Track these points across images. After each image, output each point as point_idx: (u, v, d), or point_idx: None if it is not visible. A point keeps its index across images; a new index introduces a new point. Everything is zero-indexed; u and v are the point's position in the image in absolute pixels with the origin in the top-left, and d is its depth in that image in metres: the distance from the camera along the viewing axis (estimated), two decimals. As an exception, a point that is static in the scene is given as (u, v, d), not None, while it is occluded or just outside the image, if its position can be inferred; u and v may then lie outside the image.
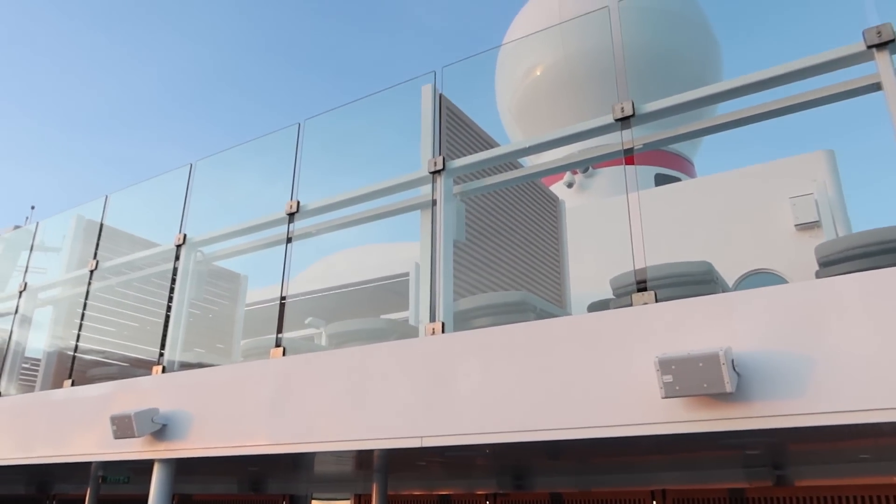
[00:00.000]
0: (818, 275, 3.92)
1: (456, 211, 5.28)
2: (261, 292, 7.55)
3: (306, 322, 8.15)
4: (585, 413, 3.59)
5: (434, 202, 5.05)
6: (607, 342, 3.60)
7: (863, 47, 3.70)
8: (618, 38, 5.17)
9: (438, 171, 5.12)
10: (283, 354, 4.95)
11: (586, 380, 3.62)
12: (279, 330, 5.18)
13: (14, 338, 7.60)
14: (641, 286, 3.70)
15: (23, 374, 7.47)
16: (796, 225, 8.55)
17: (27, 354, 7.58)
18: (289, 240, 5.63)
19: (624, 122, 4.47)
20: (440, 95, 5.66)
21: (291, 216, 5.65)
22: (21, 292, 7.61)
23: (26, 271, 7.77)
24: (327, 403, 4.47)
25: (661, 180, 12.33)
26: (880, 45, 3.65)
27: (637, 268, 3.80)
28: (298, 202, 5.66)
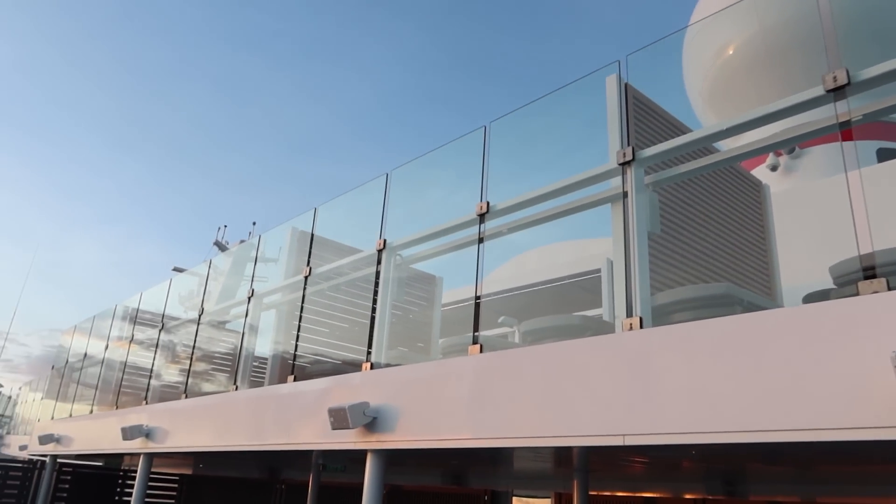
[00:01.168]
0: None
1: (649, 202, 5.09)
2: (455, 293, 7.83)
3: (499, 321, 8.30)
4: (807, 414, 3.29)
5: (625, 194, 4.92)
6: (833, 336, 3.26)
7: None
8: (825, 3, 4.70)
9: (628, 162, 4.98)
10: (481, 351, 5.09)
11: (808, 377, 3.31)
12: (475, 328, 5.33)
13: (245, 339, 8.57)
14: (870, 273, 3.32)
15: (254, 372, 8.40)
16: None
17: (256, 354, 8.51)
18: (480, 240, 5.78)
19: (838, 92, 4.04)
20: (626, 85, 5.51)
21: (482, 216, 5.80)
22: (249, 298, 8.55)
23: (252, 279, 8.73)
24: (525, 399, 4.52)
25: (884, 155, 10.91)
26: None
27: (863, 253, 3.40)
28: (488, 203, 5.79)
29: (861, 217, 3.52)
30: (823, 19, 4.61)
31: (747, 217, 6.57)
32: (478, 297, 5.48)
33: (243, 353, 8.41)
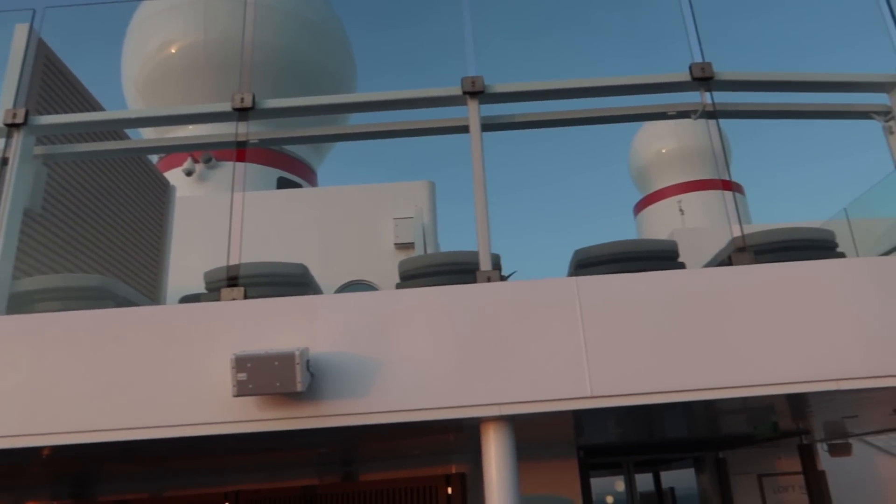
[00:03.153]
0: (398, 287, 4.31)
1: (35, 175, 4.51)
2: None
3: None
4: (158, 412, 3.32)
5: (5, 161, 4.24)
6: (187, 336, 3.40)
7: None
8: (250, 30, 5.05)
9: (17, 125, 4.32)
10: None
11: (160, 375, 3.36)
12: None
13: None
14: (233, 281, 3.60)
15: None
16: (395, 243, 9.42)
17: None
18: None
19: (242, 112, 4.35)
20: (39, 39, 4.84)
21: None
22: None
23: None
24: None
25: (283, 184, 12.54)
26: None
27: (231, 263, 3.68)
28: None
29: (237, 229, 3.81)
30: (246, 45, 4.93)
31: (148, 215, 6.48)
32: None
33: None
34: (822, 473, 7.88)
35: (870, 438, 10.35)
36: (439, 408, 3.29)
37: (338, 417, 3.28)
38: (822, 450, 8.55)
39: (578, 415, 3.87)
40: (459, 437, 5.15)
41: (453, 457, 6.42)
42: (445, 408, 3.29)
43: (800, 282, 3.48)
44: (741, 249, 3.78)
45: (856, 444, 9.84)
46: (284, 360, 3.07)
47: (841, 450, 8.24)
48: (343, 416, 3.28)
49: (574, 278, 3.51)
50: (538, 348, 3.36)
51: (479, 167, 3.83)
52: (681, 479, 11.89)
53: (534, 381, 3.31)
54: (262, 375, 3.06)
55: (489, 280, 3.59)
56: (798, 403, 4.21)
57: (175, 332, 3.42)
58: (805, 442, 7.07)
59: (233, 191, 3.95)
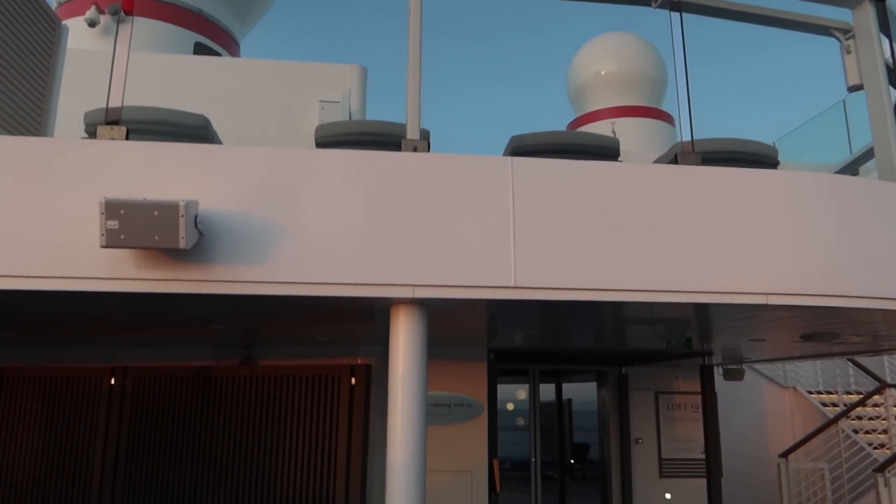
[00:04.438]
0: (313, 154, 3.85)
1: None
2: None
3: None
4: (16, 260, 2.82)
5: None
6: (54, 176, 2.87)
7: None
8: None
9: None
10: None
11: (21, 219, 2.84)
12: None
13: None
14: (113, 120, 3.05)
15: None
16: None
17: None
18: None
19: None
20: None
21: None
22: None
23: None
24: None
25: (200, 49, 11.46)
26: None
27: (113, 105, 3.11)
28: None
29: (121, 69, 3.20)
30: None
31: (32, 52, 5.63)
32: None
33: None
34: (716, 395, 8.15)
35: (759, 367, 10.86)
36: (347, 283, 2.94)
37: (229, 284, 2.88)
38: (716, 373, 8.87)
39: (497, 308, 3.61)
40: (367, 326, 4.86)
41: (360, 348, 6.17)
42: (354, 284, 2.94)
43: (743, 190, 3.25)
44: (689, 151, 3.52)
45: (748, 370, 10.32)
46: (166, 211, 2.61)
47: (734, 375, 8.54)
48: (235, 284, 2.88)
49: (509, 158, 3.16)
50: (463, 230, 3.02)
51: (416, 14, 3.33)
52: (581, 391, 12.27)
53: (454, 265, 2.99)
54: (137, 226, 2.59)
55: (415, 150, 3.18)
56: (715, 319, 4.11)
57: (39, 169, 2.87)
58: (707, 363, 7.22)
59: (119, 14, 3.31)
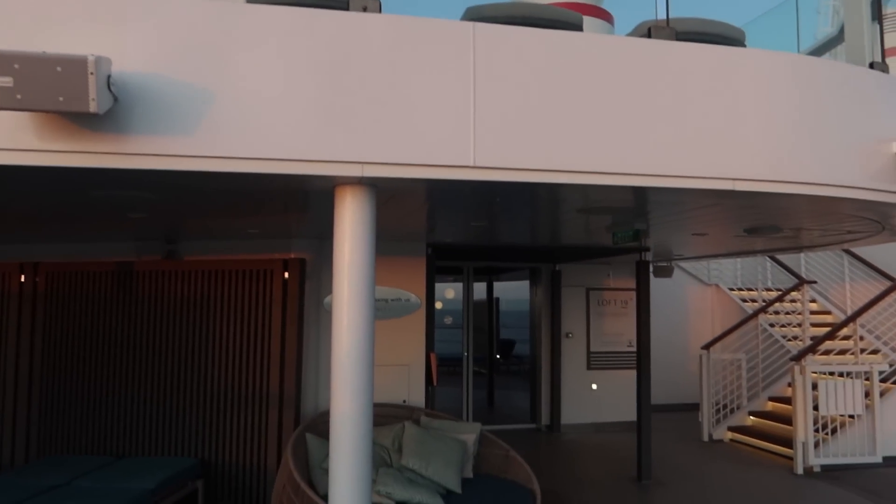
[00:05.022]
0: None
1: None
2: None
3: None
4: None
5: None
6: (-77, 21, 2.37)
7: None
8: None
9: None
10: None
11: None
12: None
13: None
14: (-1, -44, 2.52)
15: None
16: None
17: None
18: None
19: None
20: None
21: None
22: None
23: None
24: None
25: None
26: None
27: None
28: None
29: None
30: None
31: None
32: None
33: None
34: (650, 290, 8.31)
35: (684, 264, 11.19)
36: (286, 160, 2.61)
37: (148, 158, 2.50)
38: (647, 270, 9.06)
39: (450, 192, 3.37)
40: (301, 217, 4.56)
41: (293, 242, 5.87)
42: (294, 161, 2.62)
43: (715, 67, 3.05)
44: (663, 26, 3.27)
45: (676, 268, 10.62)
46: (72, 67, 2.18)
47: (664, 272, 8.72)
48: (156, 158, 2.51)
49: (471, 23, 2.83)
50: (418, 101, 2.72)
51: None
52: (507, 290, 12.44)
53: (408, 141, 2.70)
54: (37, 84, 2.17)
55: (365, 10, 2.80)
56: (674, 207, 4.00)
57: None
58: (643, 259, 7.29)
59: None
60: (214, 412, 5.73)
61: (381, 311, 5.95)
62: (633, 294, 9.97)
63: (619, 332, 9.92)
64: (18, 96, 2.16)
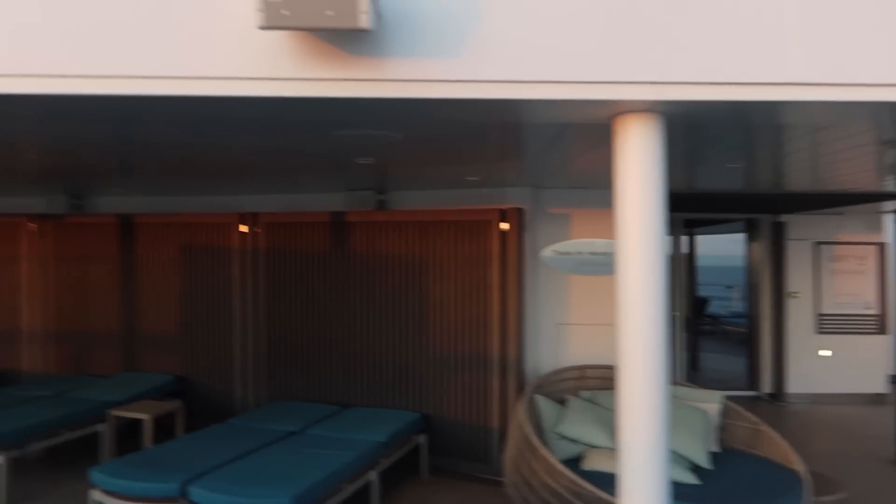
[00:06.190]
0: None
1: None
2: None
3: None
4: (129, 54, 2.20)
5: None
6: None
7: None
8: None
9: None
10: None
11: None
12: None
13: None
14: None
15: None
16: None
17: None
18: None
19: None
20: None
21: None
22: None
23: None
24: None
25: None
26: None
27: None
28: None
29: None
30: None
31: None
32: None
33: None
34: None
35: None
36: (567, 82, 2.17)
37: (411, 84, 2.17)
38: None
39: (750, 121, 2.76)
40: (519, 165, 4.13)
41: (507, 192, 5.46)
42: (577, 83, 2.17)
43: None
44: None
45: None
46: (340, -26, 1.87)
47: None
48: (419, 84, 2.17)
49: None
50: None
51: None
52: (704, 244, 11.37)
53: (710, 54, 2.14)
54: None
55: None
56: None
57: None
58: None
59: None
60: (435, 369, 5.56)
61: (605, 266, 5.43)
62: (873, 249, 8.66)
63: (854, 292, 8.63)
64: (285, 12, 1.89)
